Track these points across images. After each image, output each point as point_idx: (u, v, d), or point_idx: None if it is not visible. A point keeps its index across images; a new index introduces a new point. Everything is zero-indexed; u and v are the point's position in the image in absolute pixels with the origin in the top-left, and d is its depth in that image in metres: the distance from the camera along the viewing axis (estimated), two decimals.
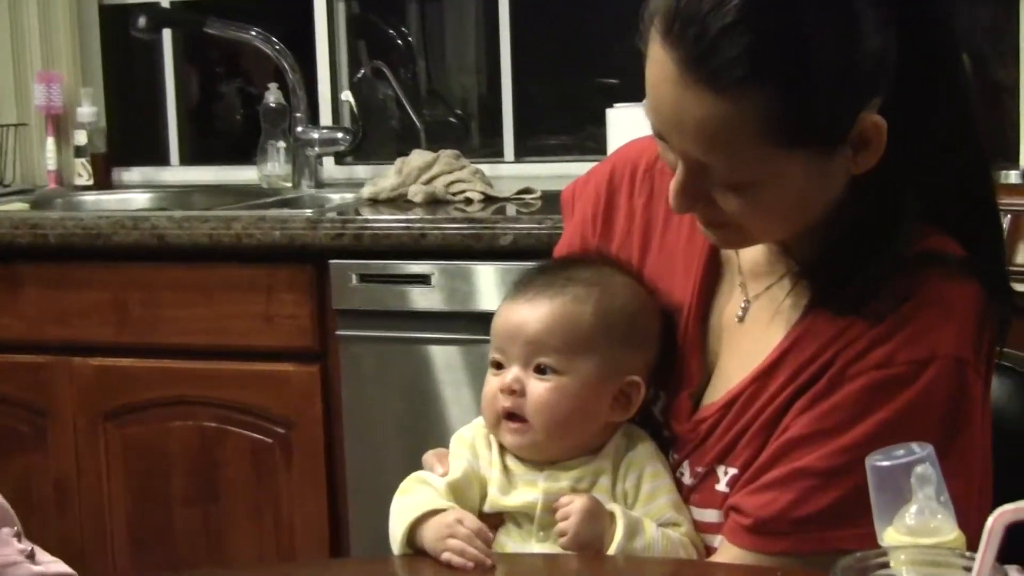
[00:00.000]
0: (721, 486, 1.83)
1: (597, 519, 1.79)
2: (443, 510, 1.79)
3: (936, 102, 1.73)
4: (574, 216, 2.11)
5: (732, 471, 1.82)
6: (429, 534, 1.77)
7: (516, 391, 1.86)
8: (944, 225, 1.80)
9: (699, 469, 1.86)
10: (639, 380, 1.89)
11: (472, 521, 1.78)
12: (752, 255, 1.90)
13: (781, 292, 1.85)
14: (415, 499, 1.84)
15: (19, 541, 1.94)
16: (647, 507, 1.85)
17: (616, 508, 1.81)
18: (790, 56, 1.59)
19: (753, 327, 1.87)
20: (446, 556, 1.74)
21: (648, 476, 1.87)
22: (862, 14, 1.62)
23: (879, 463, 1.32)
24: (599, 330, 1.88)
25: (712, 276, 1.94)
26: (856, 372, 1.73)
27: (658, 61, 1.65)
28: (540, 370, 1.87)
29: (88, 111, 4.72)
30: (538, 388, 1.86)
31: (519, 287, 1.94)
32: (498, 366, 1.90)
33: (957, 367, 1.72)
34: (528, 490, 1.87)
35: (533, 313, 1.88)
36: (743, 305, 1.90)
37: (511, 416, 1.87)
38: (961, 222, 1.80)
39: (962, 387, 1.72)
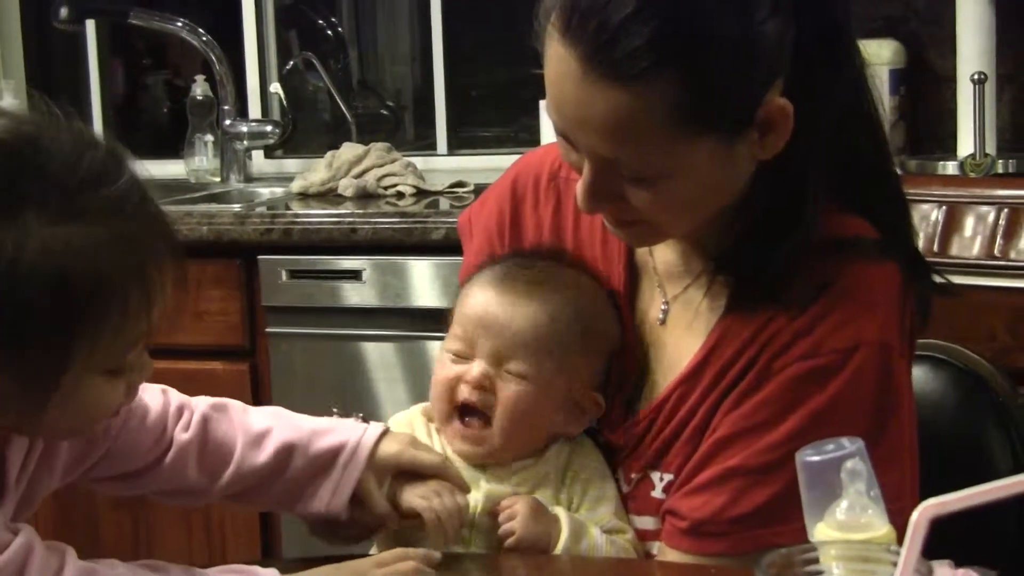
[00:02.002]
0: (657, 492, 1.84)
1: (542, 520, 1.80)
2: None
3: (833, 83, 1.74)
4: (474, 239, 2.08)
5: (667, 477, 1.83)
6: (412, 490, 1.81)
7: (485, 387, 1.84)
8: (853, 207, 1.81)
9: (633, 475, 1.87)
10: (599, 397, 1.89)
11: (461, 497, 1.80)
12: (666, 255, 1.91)
13: (698, 292, 1.86)
14: None
15: None
16: (591, 513, 1.85)
17: (560, 511, 1.82)
18: (693, 42, 1.60)
19: (675, 329, 1.88)
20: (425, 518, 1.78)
21: (593, 483, 1.87)
22: None
23: (809, 458, 1.33)
24: (574, 338, 1.87)
25: (634, 280, 1.94)
26: (781, 365, 1.74)
27: (558, 59, 1.65)
28: (511, 372, 1.85)
29: (9, 104, 4.69)
30: (508, 389, 1.84)
31: (497, 273, 1.91)
32: (461, 356, 1.87)
33: (882, 352, 1.74)
34: (471, 491, 1.85)
35: (515, 312, 1.86)
36: (663, 307, 1.90)
37: (469, 411, 1.85)
38: (869, 202, 1.82)
39: (888, 372, 1.74)
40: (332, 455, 1.81)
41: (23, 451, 1.63)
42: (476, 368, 1.85)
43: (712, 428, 1.79)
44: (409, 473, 1.83)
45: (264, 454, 1.80)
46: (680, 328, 1.88)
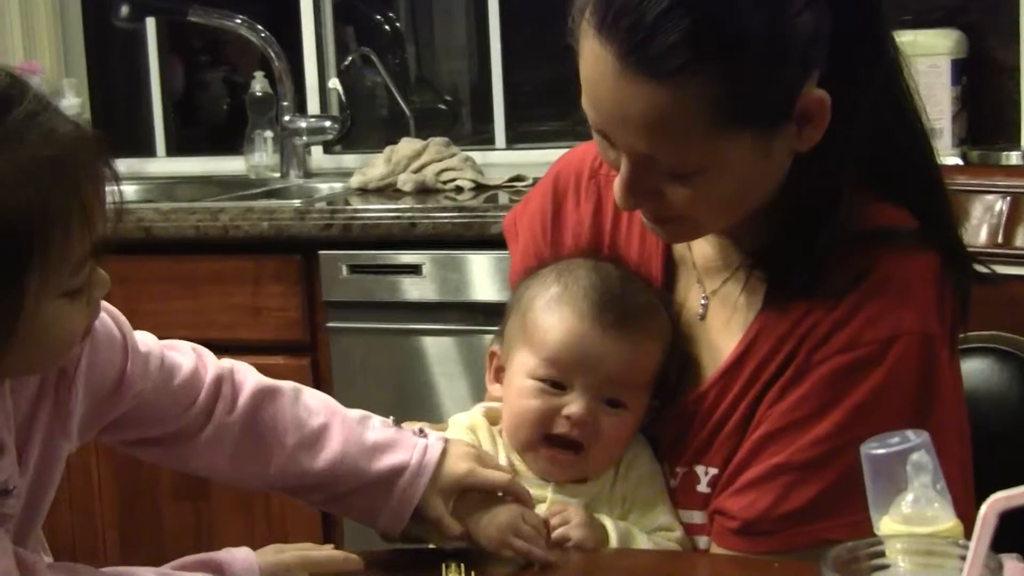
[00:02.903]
0: (702, 487, 1.84)
1: (592, 527, 1.80)
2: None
3: (869, 74, 1.74)
4: (519, 239, 2.09)
5: (712, 471, 1.83)
6: (487, 529, 1.75)
7: (588, 423, 1.83)
8: (892, 197, 1.81)
9: (678, 470, 1.87)
10: (658, 402, 1.90)
11: (534, 517, 1.77)
12: (704, 251, 1.91)
13: (736, 286, 1.86)
14: None
15: None
16: (646, 510, 1.86)
17: (605, 519, 1.82)
18: (729, 36, 1.60)
19: (714, 323, 1.89)
20: (509, 554, 1.74)
21: (646, 479, 1.88)
22: None
23: (874, 451, 1.32)
24: (661, 367, 1.87)
25: (670, 275, 1.94)
26: (821, 358, 1.74)
27: (594, 56, 1.65)
28: (610, 403, 1.84)
29: (71, 102, 4.71)
30: (609, 421, 1.84)
31: (581, 299, 1.87)
32: (553, 385, 1.85)
33: (923, 341, 1.73)
34: (536, 498, 1.84)
35: (614, 349, 1.84)
36: (702, 302, 1.90)
37: (567, 444, 1.84)
38: (908, 193, 1.82)
39: (929, 362, 1.73)
40: (392, 476, 1.78)
41: (7, 413, 1.63)
42: (578, 405, 1.83)
43: (755, 423, 1.79)
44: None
45: (319, 462, 1.79)
46: (719, 322, 1.88)
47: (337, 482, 1.79)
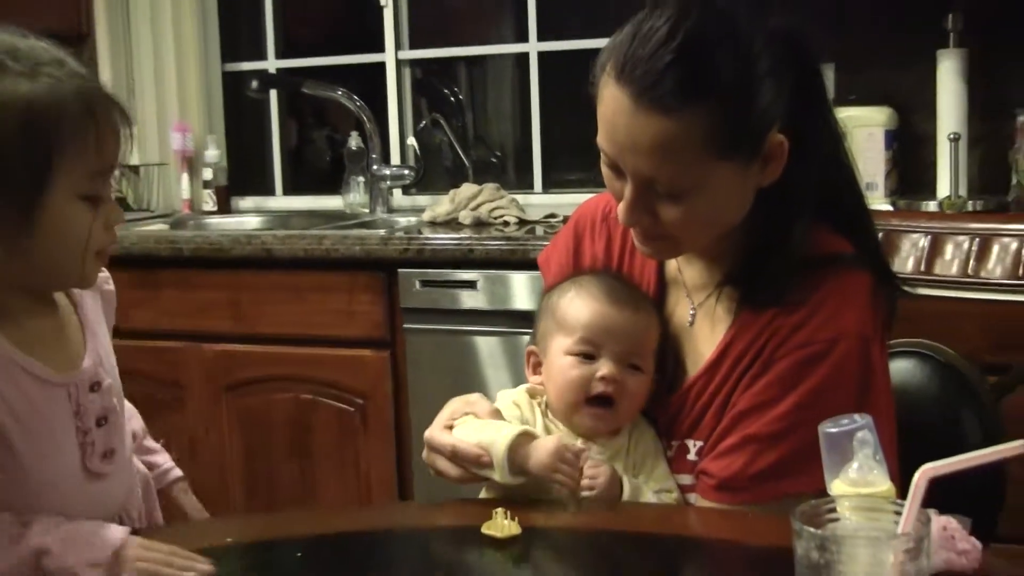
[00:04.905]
0: (691, 456, 1.84)
1: (615, 485, 1.79)
2: (535, 435, 1.77)
3: (814, 130, 1.77)
4: (551, 271, 2.08)
5: (699, 443, 1.83)
6: (538, 455, 1.73)
7: (618, 381, 1.84)
8: (838, 230, 1.82)
9: (673, 443, 1.87)
10: (657, 376, 1.90)
11: (575, 447, 1.76)
12: (690, 273, 1.91)
13: (716, 300, 1.86)
14: (501, 426, 1.79)
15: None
16: (651, 474, 1.85)
17: (624, 477, 1.81)
18: (714, 84, 1.63)
19: (700, 329, 1.88)
20: (559, 478, 1.73)
21: (651, 451, 1.87)
22: (759, 56, 1.66)
23: (829, 430, 1.32)
24: (656, 341, 1.88)
25: (663, 292, 1.95)
26: (783, 354, 1.75)
27: (613, 97, 1.67)
28: (632, 367, 1.85)
29: (213, 153, 4.73)
30: (634, 381, 1.85)
31: (600, 290, 1.89)
32: (588, 357, 1.85)
33: (861, 341, 1.74)
34: None
35: (633, 322, 1.86)
36: (691, 312, 1.90)
37: (603, 401, 1.84)
38: (847, 227, 1.83)
39: (866, 357, 1.74)
40: None
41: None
42: (608, 368, 1.84)
43: (732, 404, 1.79)
44: None
45: None
46: (704, 328, 1.88)
47: None
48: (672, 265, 1.94)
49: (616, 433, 1.87)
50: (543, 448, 1.73)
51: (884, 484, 1.29)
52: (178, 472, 2.03)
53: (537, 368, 1.93)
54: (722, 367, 1.82)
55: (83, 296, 1.72)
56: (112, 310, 1.83)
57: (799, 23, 1.75)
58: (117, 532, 1.55)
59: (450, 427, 1.83)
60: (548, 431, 1.86)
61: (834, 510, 1.22)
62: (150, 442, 2.02)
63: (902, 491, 1.23)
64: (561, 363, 1.86)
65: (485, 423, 1.80)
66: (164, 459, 2.03)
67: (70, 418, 1.64)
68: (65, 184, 1.53)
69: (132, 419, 1.93)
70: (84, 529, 1.55)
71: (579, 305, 1.88)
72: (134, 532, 1.60)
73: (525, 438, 1.74)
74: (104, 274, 1.79)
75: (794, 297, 1.76)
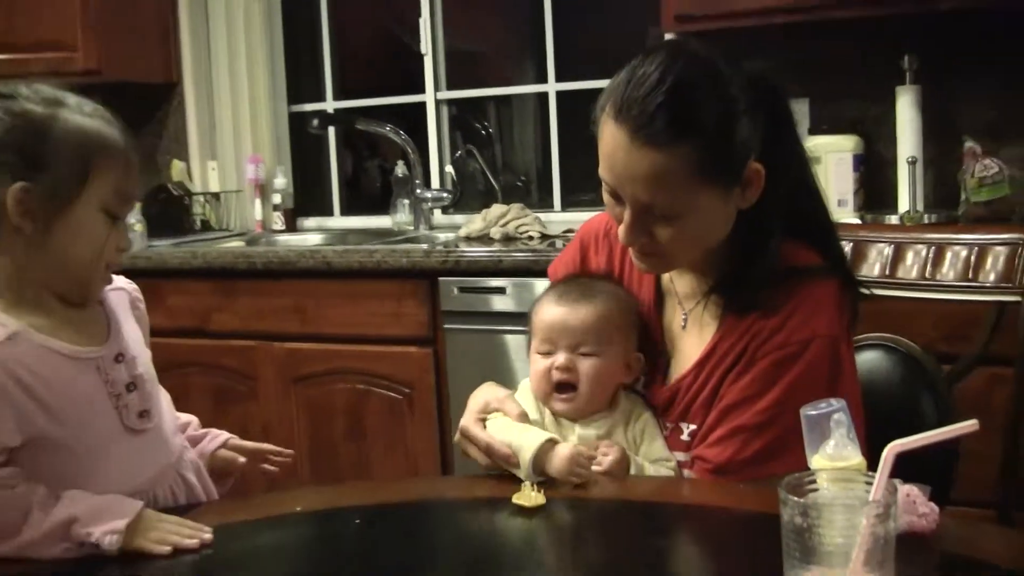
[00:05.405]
0: (684, 436, 1.83)
1: (624, 462, 1.78)
2: (557, 441, 1.75)
3: (786, 159, 1.76)
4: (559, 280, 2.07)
5: (691, 427, 1.83)
6: (558, 461, 1.71)
7: (570, 368, 1.83)
8: (809, 244, 1.81)
9: (669, 424, 1.86)
10: (640, 355, 1.88)
11: (588, 453, 1.75)
12: (681, 284, 1.90)
13: (704, 307, 1.85)
14: (528, 431, 1.77)
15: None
16: (649, 446, 1.84)
17: (630, 455, 1.81)
18: (699, 123, 1.63)
19: (691, 332, 1.87)
20: (573, 480, 1.70)
21: (648, 427, 1.86)
22: (737, 97, 1.66)
23: (809, 412, 1.31)
24: (618, 322, 1.86)
25: (659, 300, 1.93)
26: (763, 354, 1.74)
27: (611, 135, 1.67)
28: (583, 354, 1.84)
29: (281, 181, 4.74)
30: (585, 365, 1.83)
31: (555, 295, 1.89)
32: (547, 353, 1.86)
33: (831, 341, 1.73)
34: (570, 436, 1.84)
35: (576, 314, 1.85)
36: (683, 317, 1.89)
37: (562, 388, 1.84)
38: (817, 242, 1.82)
39: (836, 354, 1.73)
40: None
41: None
42: (560, 359, 1.84)
43: (719, 396, 1.78)
44: None
45: None
46: (695, 331, 1.87)
47: None
48: (666, 277, 1.93)
49: (596, 413, 1.86)
50: (561, 456, 1.71)
51: (857, 458, 1.28)
52: (225, 433, 1.99)
53: None
54: (710, 363, 1.81)
55: (107, 294, 1.75)
56: (147, 328, 1.85)
57: (770, 68, 1.76)
58: (134, 505, 1.57)
59: (483, 419, 1.83)
60: (555, 419, 1.86)
61: (814, 481, 1.21)
62: (201, 431, 1.98)
63: (871, 464, 1.23)
64: (533, 361, 1.88)
65: (514, 426, 1.79)
66: (214, 431, 1.99)
67: (101, 387, 1.66)
68: (94, 194, 1.61)
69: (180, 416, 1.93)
70: (107, 501, 1.57)
71: (538, 310, 1.89)
72: (164, 511, 1.63)
73: (548, 445, 1.73)
74: (139, 295, 1.84)
75: (771, 304, 1.75)
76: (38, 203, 1.58)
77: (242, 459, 1.87)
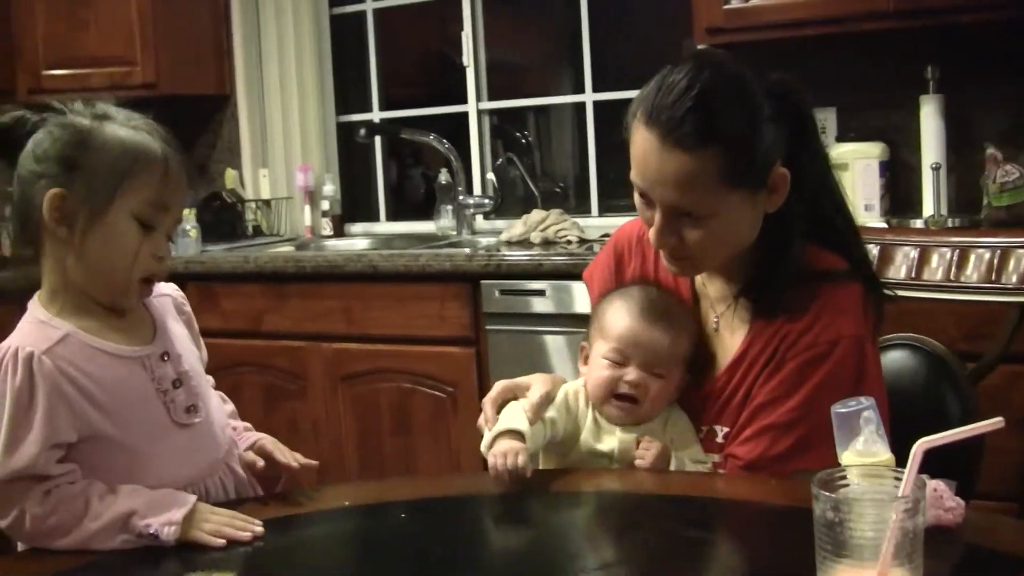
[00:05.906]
0: (719, 439, 1.83)
1: (664, 457, 1.79)
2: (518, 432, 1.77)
3: (808, 165, 1.75)
4: (595, 285, 2.05)
5: (725, 429, 1.82)
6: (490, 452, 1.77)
7: (640, 386, 1.82)
8: (833, 249, 1.80)
9: (703, 428, 1.85)
10: (688, 376, 1.87)
11: (523, 460, 1.74)
12: (714, 288, 1.89)
13: (733, 311, 1.85)
14: (502, 420, 1.82)
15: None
16: (686, 450, 1.84)
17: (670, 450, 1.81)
18: (726, 127, 1.63)
19: (724, 334, 1.87)
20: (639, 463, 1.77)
21: (685, 432, 1.86)
22: (762, 104, 1.67)
23: (839, 410, 1.31)
24: (686, 349, 1.85)
25: (695, 303, 1.92)
26: (792, 355, 1.74)
27: (643, 139, 1.67)
28: (656, 374, 1.83)
29: (329, 188, 4.75)
30: (656, 386, 1.83)
31: (635, 307, 1.86)
32: (618, 364, 1.84)
33: (856, 341, 1.72)
34: (610, 439, 1.84)
35: (659, 336, 1.83)
36: (715, 321, 1.88)
37: (627, 399, 1.83)
38: (841, 246, 1.81)
39: (861, 355, 1.72)
40: None
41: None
42: (633, 374, 1.82)
43: (751, 398, 1.78)
44: None
45: None
46: (727, 334, 1.86)
47: None
48: (699, 281, 1.92)
49: (643, 420, 1.85)
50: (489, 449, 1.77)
51: (886, 455, 1.28)
52: (256, 435, 1.94)
53: (586, 360, 1.92)
54: (742, 366, 1.80)
55: (152, 300, 1.76)
56: (195, 329, 1.86)
57: (798, 78, 1.74)
58: (189, 498, 1.58)
59: (505, 402, 1.86)
60: (596, 423, 1.86)
61: (845, 477, 1.20)
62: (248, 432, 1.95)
63: (898, 460, 1.22)
64: (598, 363, 1.86)
65: (507, 412, 1.83)
66: (246, 434, 1.95)
67: (149, 383, 1.67)
68: (127, 202, 1.61)
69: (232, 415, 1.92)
70: (163, 494, 1.59)
71: (617, 318, 1.86)
72: (216, 504, 1.65)
73: (500, 438, 1.78)
74: (183, 299, 1.85)
75: (798, 306, 1.75)
76: (73, 209, 1.59)
77: (261, 462, 1.82)
